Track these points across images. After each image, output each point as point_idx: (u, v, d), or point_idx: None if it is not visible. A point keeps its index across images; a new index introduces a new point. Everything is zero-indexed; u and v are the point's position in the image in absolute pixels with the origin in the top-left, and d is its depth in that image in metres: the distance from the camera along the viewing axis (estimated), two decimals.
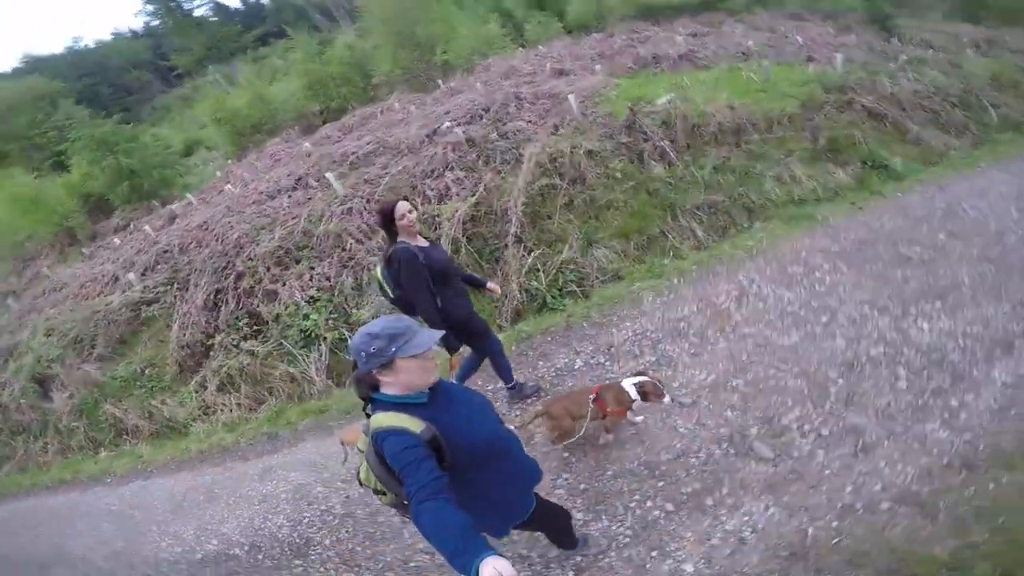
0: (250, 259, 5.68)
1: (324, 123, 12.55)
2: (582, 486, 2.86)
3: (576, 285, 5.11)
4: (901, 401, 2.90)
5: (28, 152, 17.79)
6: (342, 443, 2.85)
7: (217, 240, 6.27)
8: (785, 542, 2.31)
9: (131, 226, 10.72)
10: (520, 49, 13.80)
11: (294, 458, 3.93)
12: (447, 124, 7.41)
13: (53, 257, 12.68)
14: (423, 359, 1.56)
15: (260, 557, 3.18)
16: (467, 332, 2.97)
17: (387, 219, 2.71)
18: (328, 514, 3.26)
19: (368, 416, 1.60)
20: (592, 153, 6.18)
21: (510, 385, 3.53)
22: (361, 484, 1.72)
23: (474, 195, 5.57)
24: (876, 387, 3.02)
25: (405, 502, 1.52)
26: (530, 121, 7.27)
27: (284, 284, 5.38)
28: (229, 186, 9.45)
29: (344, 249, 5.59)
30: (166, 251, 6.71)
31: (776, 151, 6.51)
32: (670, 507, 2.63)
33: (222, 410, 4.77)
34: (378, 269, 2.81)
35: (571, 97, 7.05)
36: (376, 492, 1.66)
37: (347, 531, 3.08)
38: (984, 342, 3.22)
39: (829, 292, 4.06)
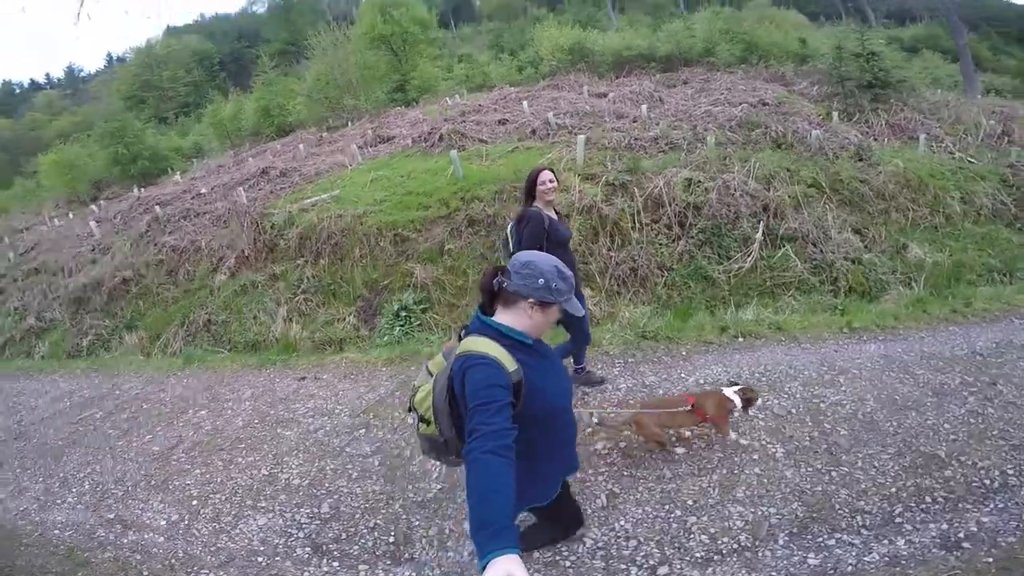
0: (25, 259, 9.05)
1: (267, 142, 15.28)
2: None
3: (104, 349, 7.05)
4: None
5: (158, 102, 22.45)
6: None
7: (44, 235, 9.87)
8: None
9: (95, 203, 15.49)
10: (456, 98, 14.14)
11: None
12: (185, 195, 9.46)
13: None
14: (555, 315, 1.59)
15: None
16: None
17: (531, 183, 2.98)
18: None
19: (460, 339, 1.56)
20: (198, 250, 7.58)
21: (579, 367, 3.65)
22: (410, 408, 1.69)
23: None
24: None
25: (444, 440, 1.55)
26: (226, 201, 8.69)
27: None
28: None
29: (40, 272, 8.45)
30: (39, 241, 10.64)
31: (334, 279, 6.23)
32: None
33: None
34: (510, 226, 3.10)
35: (240, 189, 8.27)
36: (421, 419, 1.63)
37: None
38: None
39: None
